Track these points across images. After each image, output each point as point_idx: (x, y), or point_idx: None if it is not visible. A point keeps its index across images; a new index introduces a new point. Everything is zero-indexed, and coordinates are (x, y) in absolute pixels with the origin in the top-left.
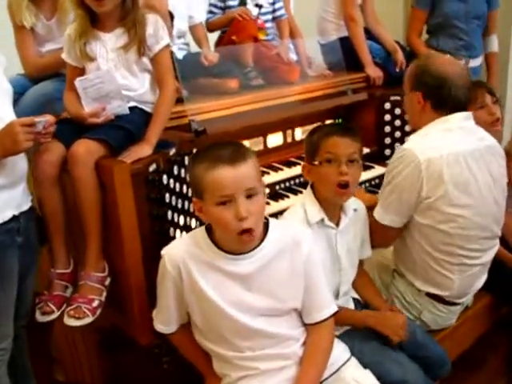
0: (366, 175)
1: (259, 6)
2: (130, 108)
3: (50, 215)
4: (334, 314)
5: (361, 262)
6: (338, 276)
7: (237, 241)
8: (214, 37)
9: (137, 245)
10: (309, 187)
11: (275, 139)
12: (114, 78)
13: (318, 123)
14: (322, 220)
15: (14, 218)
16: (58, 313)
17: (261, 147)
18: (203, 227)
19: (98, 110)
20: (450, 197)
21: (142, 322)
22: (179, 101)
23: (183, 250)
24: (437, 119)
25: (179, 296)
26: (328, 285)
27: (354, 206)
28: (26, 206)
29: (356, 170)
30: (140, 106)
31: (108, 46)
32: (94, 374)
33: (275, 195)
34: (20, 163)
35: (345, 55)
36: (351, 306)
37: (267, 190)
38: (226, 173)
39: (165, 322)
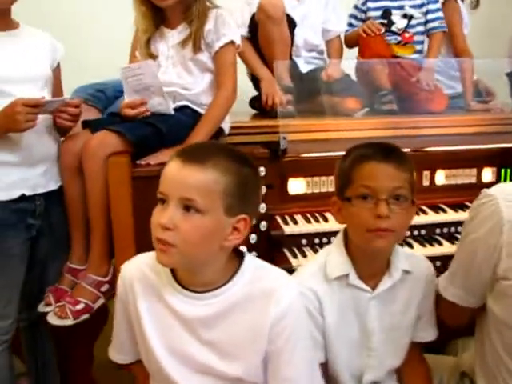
0: None
1: (409, 18)
2: (181, 107)
3: (70, 205)
4: None
5: (416, 347)
6: (364, 357)
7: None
8: None
9: (130, 255)
10: (341, 231)
11: None
12: (154, 71)
13: (473, 169)
14: (347, 276)
15: (27, 198)
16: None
17: None
18: None
19: (136, 102)
20: None
21: None
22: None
23: (136, 269)
24: None
25: (128, 321)
26: (347, 364)
27: (407, 266)
28: (45, 189)
29: (403, 211)
30: (193, 106)
31: (169, 42)
32: None
33: None
34: (38, 146)
35: None
36: None
37: None
38: (172, 168)
39: (117, 349)
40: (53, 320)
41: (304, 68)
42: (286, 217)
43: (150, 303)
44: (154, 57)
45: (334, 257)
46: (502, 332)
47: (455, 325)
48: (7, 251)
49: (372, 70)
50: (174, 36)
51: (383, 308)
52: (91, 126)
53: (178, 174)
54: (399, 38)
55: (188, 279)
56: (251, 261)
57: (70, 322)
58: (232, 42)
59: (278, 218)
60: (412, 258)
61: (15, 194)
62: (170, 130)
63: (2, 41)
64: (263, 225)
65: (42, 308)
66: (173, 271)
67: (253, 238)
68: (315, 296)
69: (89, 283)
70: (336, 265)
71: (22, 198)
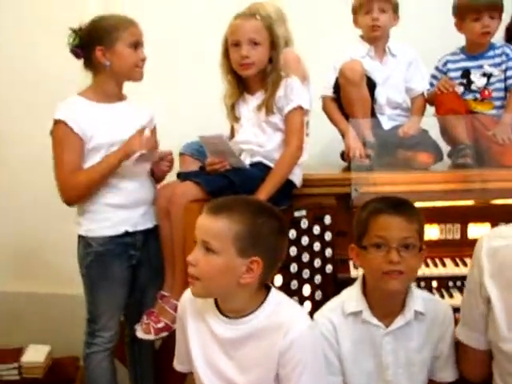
0: None
1: (488, 76)
2: (256, 163)
3: (163, 242)
4: None
5: None
6: None
7: None
8: None
9: None
10: (360, 275)
11: (481, 231)
12: (225, 141)
13: None
14: (361, 313)
15: (129, 234)
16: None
17: (457, 236)
18: None
19: (215, 161)
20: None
21: None
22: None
23: (190, 295)
24: None
25: (184, 337)
26: None
27: (420, 307)
28: (143, 227)
29: (412, 257)
30: (266, 161)
31: (250, 106)
32: None
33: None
34: (140, 191)
35: None
36: None
37: (435, 284)
38: (201, 216)
39: (178, 359)
40: (139, 334)
41: (387, 125)
42: None
43: (196, 323)
44: (237, 119)
45: (351, 295)
46: (494, 356)
47: (471, 375)
48: (112, 276)
49: (452, 126)
50: (253, 101)
51: (398, 344)
52: (181, 176)
53: (202, 221)
54: (477, 96)
55: (223, 306)
56: (275, 296)
57: (151, 336)
58: (300, 107)
59: (351, 263)
60: (430, 302)
61: (120, 230)
62: (242, 182)
63: (117, 108)
64: (328, 267)
65: (136, 326)
66: (215, 299)
67: (317, 279)
68: (331, 324)
69: (170, 306)
70: (352, 302)
71: (126, 233)
